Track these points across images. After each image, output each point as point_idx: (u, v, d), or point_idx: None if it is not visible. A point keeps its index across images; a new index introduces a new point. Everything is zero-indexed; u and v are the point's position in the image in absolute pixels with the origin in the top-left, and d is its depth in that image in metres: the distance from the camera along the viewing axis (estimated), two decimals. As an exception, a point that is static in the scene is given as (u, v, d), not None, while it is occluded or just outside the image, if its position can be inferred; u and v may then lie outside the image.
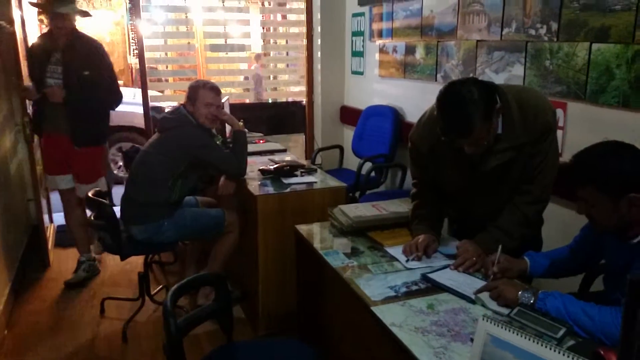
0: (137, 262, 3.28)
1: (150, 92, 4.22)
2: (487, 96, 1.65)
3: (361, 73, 4.30)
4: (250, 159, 2.97)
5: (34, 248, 3.60)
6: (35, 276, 3.45)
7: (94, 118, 3.22)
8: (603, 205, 1.47)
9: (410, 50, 3.57)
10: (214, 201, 3.08)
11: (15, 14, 3.31)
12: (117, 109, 3.38)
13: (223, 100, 3.07)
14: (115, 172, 5.69)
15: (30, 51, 3.30)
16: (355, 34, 4.34)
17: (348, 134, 4.48)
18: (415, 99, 3.61)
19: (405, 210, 2.20)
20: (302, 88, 4.74)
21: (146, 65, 4.09)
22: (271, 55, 4.84)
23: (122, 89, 3.47)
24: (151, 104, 4.20)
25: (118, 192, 3.06)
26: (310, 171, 3.02)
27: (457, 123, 1.64)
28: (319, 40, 4.48)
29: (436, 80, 3.30)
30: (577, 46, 2.27)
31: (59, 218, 4.18)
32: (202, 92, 2.73)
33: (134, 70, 9.35)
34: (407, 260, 1.87)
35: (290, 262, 2.44)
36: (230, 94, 4.48)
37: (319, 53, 4.51)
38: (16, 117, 3.61)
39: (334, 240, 2.12)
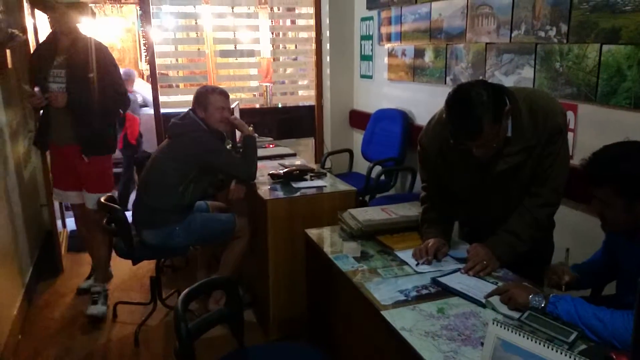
0: (148, 266, 3.31)
1: (162, 98, 4.25)
2: (496, 98, 1.64)
3: (370, 77, 4.31)
4: (260, 164, 2.98)
5: (47, 253, 3.63)
6: (49, 281, 3.48)
7: (103, 124, 3.04)
8: (617, 206, 1.45)
9: (419, 53, 3.57)
10: (224, 206, 3.10)
11: (28, 22, 3.36)
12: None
13: (233, 106, 3.09)
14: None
15: (33, 55, 3.17)
16: (364, 37, 4.35)
17: (357, 138, 4.48)
18: (425, 102, 3.61)
19: (415, 214, 2.19)
20: (312, 92, 4.76)
21: (157, 72, 4.13)
22: (280, 60, 4.84)
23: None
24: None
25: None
26: (319, 175, 3.03)
27: (466, 125, 1.64)
28: (328, 45, 4.49)
29: (445, 83, 3.30)
30: (587, 48, 2.25)
31: (72, 223, 4.22)
32: (212, 97, 2.76)
33: (144, 77, 9.43)
34: (417, 264, 1.86)
35: (301, 266, 2.45)
36: (241, 99, 4.51)
37: (328, 57, 4.52)
38: (30, 124, 3.66)
39: (343, 244, 2.12)
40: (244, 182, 2.86)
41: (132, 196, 4.32)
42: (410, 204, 2.34)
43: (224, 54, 4.59)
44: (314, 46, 4.59)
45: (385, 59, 4.01)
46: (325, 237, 2.22)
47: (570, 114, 2.32)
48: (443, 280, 1.72)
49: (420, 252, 1.90)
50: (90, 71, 2.93)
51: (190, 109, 2.80)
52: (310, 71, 4.71)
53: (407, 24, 3.67)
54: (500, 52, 2.78)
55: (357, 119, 4.54)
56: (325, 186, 2.86)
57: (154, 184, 2.72)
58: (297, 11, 4.76)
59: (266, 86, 5.80)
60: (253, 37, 4.41)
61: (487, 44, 2.88)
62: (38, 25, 3.67)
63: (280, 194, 2.73)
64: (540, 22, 2.49)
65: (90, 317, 2.97)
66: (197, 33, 4.50)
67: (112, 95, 3.02)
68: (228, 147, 3.15)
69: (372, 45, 4.22)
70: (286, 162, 3.40)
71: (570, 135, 2.31)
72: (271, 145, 3.92)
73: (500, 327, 1.16)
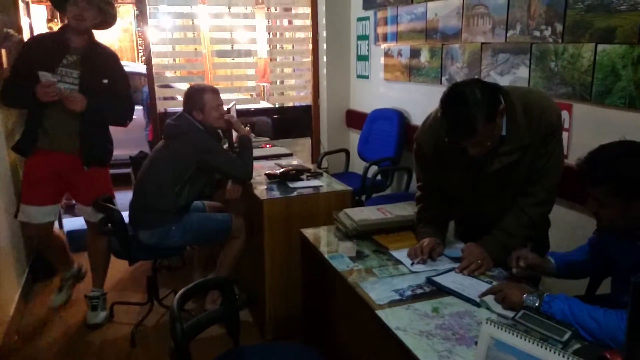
0: (145, 266, 3.30)
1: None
2: (490, 97, 1.65)
3: (366, 77, 4.31)
4: (256, 164, 2.98)
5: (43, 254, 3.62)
6: (45, 282, 3.47)
7: (107, 134, 2.91)
8: (613, 206, 1.46)
9: (415, 53, 3.57)
10: (221, 206, 3.10)
11: (24, 21, 3.35)
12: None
13: (229, 106, 3.09)
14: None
15: (31, 44, 2.85)
16: (360, 38, 4.35)
17: (354, 138, 4.48)
18: (421, 102, 3.61)
19: (410, 213, 2.19)
20: (308, 92, 4.76)
21: (154, 72, 4.12)
22: (277, 60, 4.84)
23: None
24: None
25: (127, 197, 3.05)
26: (316, 175, 3.03)
27: (461, 124, 1.64)
28: (325, 45, 4.50)
29: (441, 83, 3.30)
30: (582, 47, 2.26)
31: (69, 224, 4.22)
32: (207, 96, 2.77)
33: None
34: (412, 264, 1.86)
35: (297, 266, 2.45)
36: (238, 99, 4.50)
37: (325, 57, 4.52)
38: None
39: (339, 244, 2.12)
40: (240, 181, 2.86)
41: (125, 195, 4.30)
42: (405, 204, 2.34)
43: (221, 54, 4.58)
44: (310, 46, 4.60)
45: (382, 59, 4.01)
46: (321, 236, 2.22)
47: (565, 114, 2.33)
48: (438, 279, 1.73)
49: (415, 251, 1.90)
50: (104, 77, 2.78)
51: (184, 110, 2.80)
52: (307, 71, 4.71)
53: (403, 24, 3.67)
54: (496, 52, 2.79)
55: (354, 119, 4.55)
56: (321, 186, 2.86)
57: (150, 185, 2.72)
58: (293, 11, 4.75)
59: (263, 86, 5.82)
60: (250, 37, 4.41)
61: (482, 43, 2.89)
62: (34, 25, 3.66)
63: (276, 193, 2.73)
64: (536, 21, 2.49)
65: (92, 326, 2.91)
66: (194, 33, 4.50)
67: (123, 105, 2.90)
68: (224, 146, 3.16)
69: (368, 45, 4.23)
70: (283, 162, 3.40)
71: (565, 134, 2.31)
72: (268, 145, 3.92)
73: (494, 326, 1.15)
